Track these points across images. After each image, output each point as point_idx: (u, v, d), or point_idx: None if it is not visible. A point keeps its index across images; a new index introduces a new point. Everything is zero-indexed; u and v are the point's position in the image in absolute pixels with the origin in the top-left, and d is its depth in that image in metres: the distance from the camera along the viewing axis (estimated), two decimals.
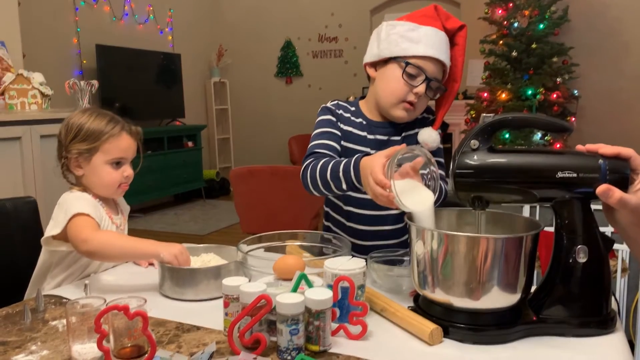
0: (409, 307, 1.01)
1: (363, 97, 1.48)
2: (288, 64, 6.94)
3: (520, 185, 0.95)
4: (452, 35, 1.35)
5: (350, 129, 1.40)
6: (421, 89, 1.30)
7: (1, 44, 2.65)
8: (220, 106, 7.12)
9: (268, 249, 1.30)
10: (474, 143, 0.96)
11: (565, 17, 4.86)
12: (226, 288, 0.93)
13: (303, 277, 0.90)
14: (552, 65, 4.82)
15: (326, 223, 1.52)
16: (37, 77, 2.51)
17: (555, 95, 4.77)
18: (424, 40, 1.29)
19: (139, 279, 1.28)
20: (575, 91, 4.98)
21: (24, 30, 3.04)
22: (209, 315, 1.02)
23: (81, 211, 1.23)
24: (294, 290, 0.89)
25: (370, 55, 1.39)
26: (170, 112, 6.32)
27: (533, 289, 0.99)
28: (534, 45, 4.73)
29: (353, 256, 1.06)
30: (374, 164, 1.05)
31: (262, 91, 7.07)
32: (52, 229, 1.25)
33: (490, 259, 0.89)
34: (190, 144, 6.30)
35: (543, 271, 1.02)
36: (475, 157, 0.96)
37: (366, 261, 1.05)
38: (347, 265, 1.00)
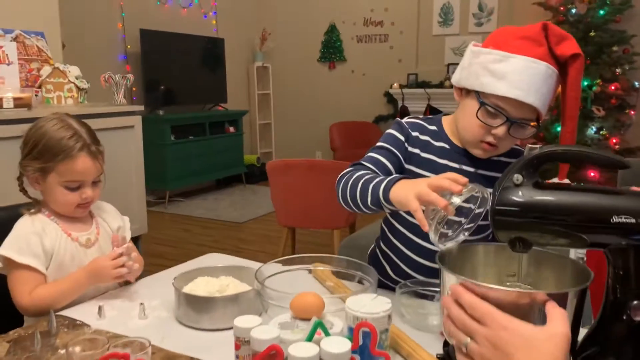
0: (437, 355, 0.92)
1: (448, 113, 1.29)
2: (332, 49, 6.81)
3: (569, 228, 0.83)
4: (563, 63, 1.09)
5: (427, 155, 1.23)
6: (500, 131, 1.11)
7: (40, 35, 2.66)
8: (262, 91, 7.08)
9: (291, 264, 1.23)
10: (517, 178, 0.86)
11: (629, 3, 4.53)
12: (237, 330, 0.87)
13: (319, 325, 0.82)
14: (612, 54, 4.52)
15: (380, 247, 1.35)
16: (74, 71, 2.51)
17: (613, 87, 4.49)
18: (511, 77, 1.06)
19: (156, 295, 1.22)
20: (636, 83, 4.67)
21: (64, 18, 3.05)
22: (223, 349, 0.96)
23: (13, 258, 1.19)
24: (309, 339, 0.82)
25: (455, 78, 1.20)
26: (213, 96, 6.33)
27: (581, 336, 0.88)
28: (592, 33, 4.44)
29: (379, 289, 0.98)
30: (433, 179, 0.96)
31: (304, 76, 6.97)
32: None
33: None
34: (231, 129, 6.29)
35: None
36: (520, 194, 0.85)
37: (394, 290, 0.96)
38: (370, 306, 0.91)
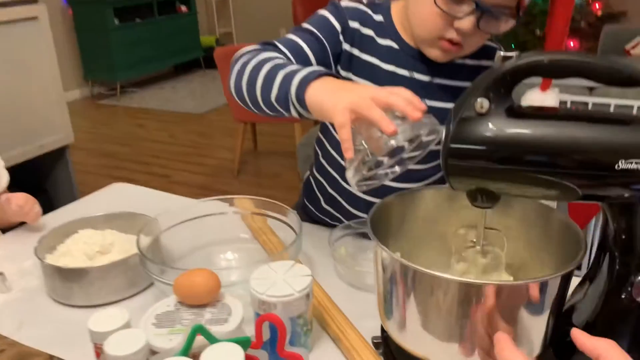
0: (373, 339, 0.70)
1: None
2: None
3: (556, 176, 0.57)
4: None
5: (367, 57, 0.91)
6: (466, 24, 0.80)
7: None
8: None
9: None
10: (482, 103, 0.58)
11: None
12: (93, 335, 0.63)
13: (199, 330, 0.58)
14: None
15: (314, 175, 1.07)
16: None
17: None
18: None
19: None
20: None
21: None
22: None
23: None
24: (184, 352, 0.58)
25: None
26: None
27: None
28: None
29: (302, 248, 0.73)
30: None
31: None
32: None
33: (492, 312, 0.55)
34: (183, 8, 5.69)
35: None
36: (487, 126, 0.58)
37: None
38: (283, 283, 0.68)
